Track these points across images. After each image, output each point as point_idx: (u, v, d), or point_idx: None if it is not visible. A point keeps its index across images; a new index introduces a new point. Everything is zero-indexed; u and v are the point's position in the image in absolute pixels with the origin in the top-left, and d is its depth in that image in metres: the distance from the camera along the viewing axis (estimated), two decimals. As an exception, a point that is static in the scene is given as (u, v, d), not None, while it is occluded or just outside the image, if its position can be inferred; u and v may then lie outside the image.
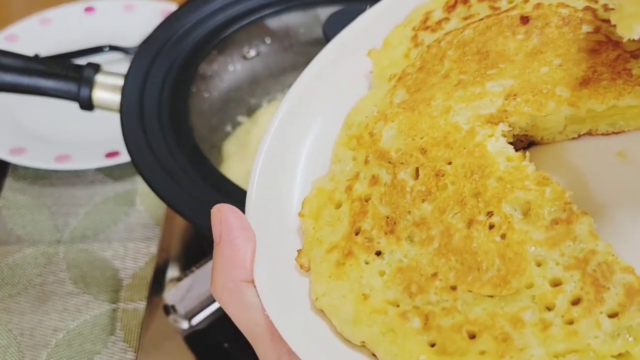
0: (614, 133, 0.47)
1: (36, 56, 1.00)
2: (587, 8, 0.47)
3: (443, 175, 0.43)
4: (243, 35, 0.90)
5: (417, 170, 0.44)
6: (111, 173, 1.00)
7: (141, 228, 0.94)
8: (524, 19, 0.48)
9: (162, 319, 0.80)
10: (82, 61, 0.88)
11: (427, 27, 0.53)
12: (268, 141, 0.49)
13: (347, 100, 0.52)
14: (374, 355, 0.40)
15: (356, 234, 0.44)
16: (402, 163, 0.45)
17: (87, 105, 0.79)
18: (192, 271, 0.77)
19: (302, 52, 0.95)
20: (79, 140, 1.03)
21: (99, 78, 0.78)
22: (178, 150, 0.71)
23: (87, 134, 1.04)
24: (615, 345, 0.35)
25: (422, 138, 0.45)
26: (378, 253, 0.43)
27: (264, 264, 0.44)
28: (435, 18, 0.53)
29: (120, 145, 0.89)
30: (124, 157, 0.97)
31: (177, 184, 0.68)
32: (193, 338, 0.79)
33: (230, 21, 0.88)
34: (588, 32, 0.46)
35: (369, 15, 0.54)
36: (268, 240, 0.45)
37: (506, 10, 0.50)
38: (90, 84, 0.78)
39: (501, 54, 0.47)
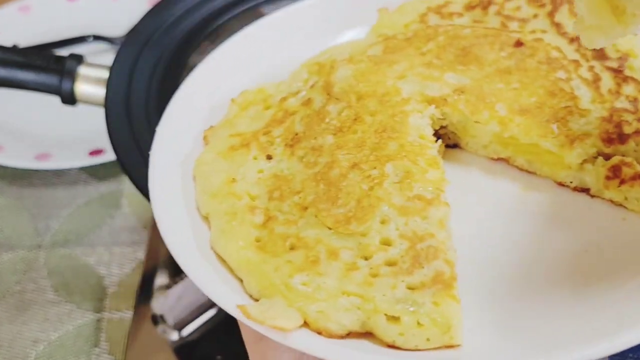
0: (527, 171, 0.54)
1: (15, 47, 1.00)
2: (575, 61, 0.56)
3: (360, 122, 0.52)
4: (236, 25, 0.90)
5: (344, 109, 0.53)
6: (95, 172, 1.01)
7: (127, 232, 0.94)
8: (518, 43, 0.57)
9: (150, 330, 0.80)
10: (64, 52, 0.88)
11: (439, 13, 0.62)
12: (244, 34, 0.62)
13: (334, 38, 0.63)
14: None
15: (263, 135, 0.53)
16: (337, 99, 0.54)
17: (70, 99, 0.79)
18: (182, 278, 0.78)
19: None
20: (60, 138, 1.04)
21: (82, 70, 0.79)
22: (167, 148, 0.71)
23: (70, 131, 1.04)
24: (393, 307, 0.42)
25: (365, 87, 0.54)
26: (269, 157, 0.52)
27: (169, 129, 0.55)
28: (452, 9, 0.62)
29: (105, 142, 0.89)
30: (109, 156, 0.97)
31: (166, 185, 0.68)
32: (183, 350, 0.79)
33: (222, 9, 0.88)
34: (559, 78, 0.54)
35: None
36: (186, 114, 0.56)
37: (511, 31, 0.59)
38: (72, 76, 0.78)
39: (478, 59, 0.56)
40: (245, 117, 0.55)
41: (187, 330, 0.79)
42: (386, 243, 0.45)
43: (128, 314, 0.84)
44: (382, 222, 0.46)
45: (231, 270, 0.46)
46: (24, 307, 0.86)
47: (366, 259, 0.45)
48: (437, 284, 0.43)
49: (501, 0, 0.61)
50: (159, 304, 0.78)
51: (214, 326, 0.80)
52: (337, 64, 0.56)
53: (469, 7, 0.62)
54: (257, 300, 0.44)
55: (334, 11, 0.64)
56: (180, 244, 0.47)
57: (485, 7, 0.61)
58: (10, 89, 0.81)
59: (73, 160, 0.98)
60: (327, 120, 0.52)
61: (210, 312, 0.81)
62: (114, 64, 0.78)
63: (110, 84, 0.76)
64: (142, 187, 0.68)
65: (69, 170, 1.00)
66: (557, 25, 0.58)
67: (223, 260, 0.47)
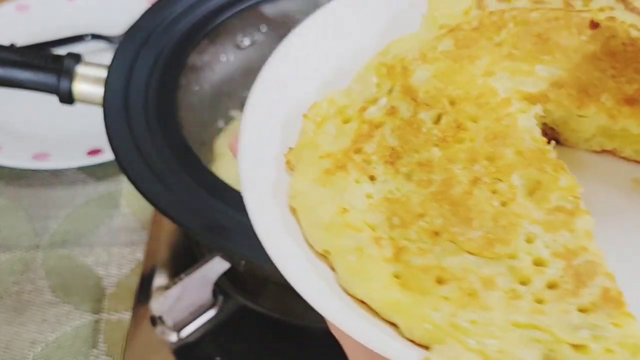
0: (635, 161, 0.51)
1: (12, 46, 1.00)
2: None
3: (464, 130, 0.48)
4: (236, 23, 0.90)
5: (439, 116, 0.49)
6: (93, 172, 1.01)
7: (126, 232, 0.94)
8: (594, 24, 0.53)
9: (149, 331, 0.80)
10: (62, 51, 0.88)
11: None
12: (296, 36, 0.54)
13: (384, 31, 0.57)
14: (332, 269, 0.44)
15: (355, 153, 0.48)
16: (427, 105, 0.50)
17: (68, 98, 0.79)
18: (181, 279, 0.78)
19: (300, 41, 0.95)
20: (58, 137, 1.04)
21: (80, 69, 0.79)
22: (166, 148, 0.71)
23: (68, 130, 1.04)
24: (576, 335, 0.39)
25: (455, 89, 0.50)
26: (371, 178, 0.47)
27: (251, 153, 0.48)
28: None
29: (103, 142, 0.89)
30: (107, 155, 0.97)
31: (164, 185, 0.68)
32: (182, 351, 0.79)
33: (222, 7, 0.88)
34: None
35: None
36: (262, 135, 0.50)
37: (579, 11, 0.55)
38: (70, 75, 0.78)
39: (559, 46, 0.52)
40: (326, 134, 0.50)
41: (186, 331, 0.79)
42: (539, 264, 0.42)
43: (127, 315, 0.84)
44: (528, 240, 0.42)
45: (373, 312, 0.42)
46: (21, 308, 0.86)
47: (523, 284, 0.41)
48: (608, 303, 0.40)
49: None
50: (158, 305, 0.78)
51: (213, 327, 0.80)
52: (409, 64, 0.53)
53: None
54: (420, 345, 0.41)
55: (371, 5, 0.59)
56: (313, 288, 0.42)
57: None
58: (7, 88, 0.81)
59: (71, 160, 0.98)
60: (423, 130, 0.48)
61: (210, 313, 0.81)
62: (112, 63, 0.78)
63: (108, 83, 0.76)
64: (141, 187, 0.68)
65: (67, 170, 1.00)
66: (623, 1, 0.55)
67: (359, 301, 0.42)
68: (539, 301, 0.40)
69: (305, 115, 0.50)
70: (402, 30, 0.57)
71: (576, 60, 0.51)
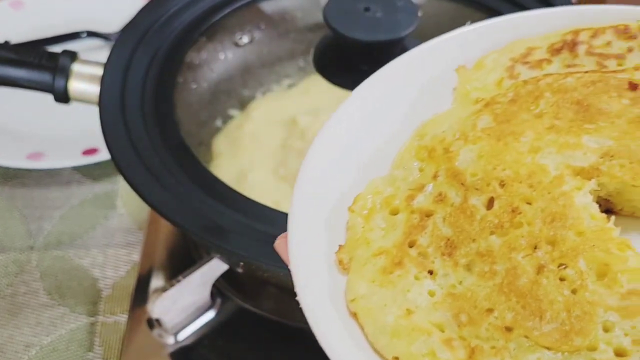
0: None
1: (6, 43, 1.00)
2: None
3: (520, 213, 0.45)
4: (235, 20, 0.90)
5: (491, 200, 0.47)
6: (89, 172, 1.00)
7: (122, 233, 0.94)
8: (633, 86, 0.51)
9: (146, 334, 0.80)
10: (57, 48, 0.88)
11: (527, 62, 0.56)
12: (328, 129, 0.52)
13: (416, 109, 0.54)
14: None
15: (410, 247, 0.46)
16: (476, 189, 0.47)
17: (63, 97, 0.79)
18: (178, 281, 0.77)
19: (299, 39, 0.95)
20: (53, 136, 1.03)
21: (76, 67, 0.78)
22: (163, 147, 0.71)
23: (63, 129, 1.04)
24: None
25: (504, 170, 0.48)
26: (430, 272, 0.45)
27: (302, 256, 0.45)
28: (537, 56, 0.56)
29: (99, 141, 0.89)
30: (104, 155, 0.97)
31: (162, 185, 0.68)
32: (180, 354, 0.79)
33: (220, 4, 0.88)
34: None
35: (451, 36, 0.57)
36: (309, 233, 0.47)
37: (614, 71, 0.53)
38: (66, 73, 0.78)
39: (602, 112, 0.50)
40: (376, 229, 0.48)
41: (184, 334, 0.79)
42: (621, 354, 0.40)
43: (123, 318, 0.84)
44: (605, 329, 0.41)
45: None
46: (16, 311, 0.86)
47: None
48: None
49: (587, 38, 0.56)
50: (155, 307, 0.77)
51: (211, 330, 0.80)
52: (449, 145, 0.51)
53: (555, 51, 0.56)
54: None
55: (397, 82, 0.56)
56: None
57: (572, 49, 0.56)
58: (1, 87, 0.80)
59: (66, 160, 0.98)
60: (477, 217, 0.46)
61: (208, 316, 0.81)
62: (108, 60, 0.78)
63: (104, 81, 0.76)
64: (138, 187, 0.68)
65: (62, 170, 1.00)
66: None
67: None
68: None
69: (350, 209, 0.48)
70: (431, 105, 0.54)
71: (622, 127, 0.49)
